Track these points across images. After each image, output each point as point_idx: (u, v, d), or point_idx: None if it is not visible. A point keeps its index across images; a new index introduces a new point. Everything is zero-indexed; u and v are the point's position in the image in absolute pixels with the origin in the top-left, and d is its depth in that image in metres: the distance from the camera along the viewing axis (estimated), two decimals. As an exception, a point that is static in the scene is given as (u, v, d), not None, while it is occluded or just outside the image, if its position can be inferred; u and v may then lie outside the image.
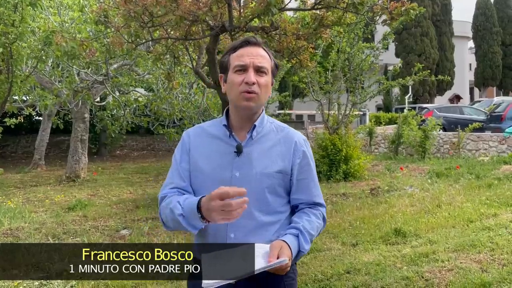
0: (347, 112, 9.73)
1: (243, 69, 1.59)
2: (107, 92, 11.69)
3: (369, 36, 14.43)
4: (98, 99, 11.15)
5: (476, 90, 44.32)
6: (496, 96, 40.84)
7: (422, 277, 4.11)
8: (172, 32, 6.56)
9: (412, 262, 4.49)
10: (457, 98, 40.92)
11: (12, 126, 7.87)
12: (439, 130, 12.79)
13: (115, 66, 9.87)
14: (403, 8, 6.00)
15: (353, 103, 9.71)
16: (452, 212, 6.17)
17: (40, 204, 7.61)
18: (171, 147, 20.08)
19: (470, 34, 40.13)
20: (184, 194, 1.66)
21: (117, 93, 11.96)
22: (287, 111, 20.59)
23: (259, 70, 1.59)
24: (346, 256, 4.74)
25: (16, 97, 8.31)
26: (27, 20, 5.90)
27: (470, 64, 44.13)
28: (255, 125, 1.63)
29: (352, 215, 6.35)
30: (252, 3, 6.63)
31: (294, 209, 1.71)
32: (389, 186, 7.99)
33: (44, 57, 6.28)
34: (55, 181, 10.65)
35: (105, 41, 7.90)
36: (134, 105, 11.55)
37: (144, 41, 6.11)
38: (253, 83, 1.57)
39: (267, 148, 1.64)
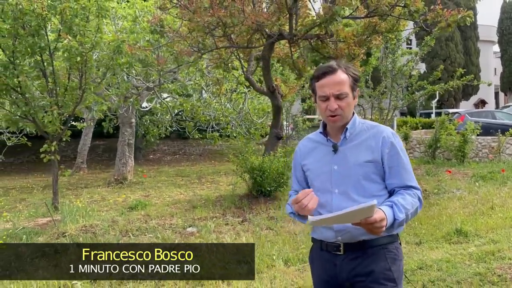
0: (389, 116, 9.92)
1: (325, 98, 1.92)
2: (151, 98, 12.13)
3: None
4: (145, 104, 11.55)
5: (501, 94, 43.77)
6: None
7: (494, 273, 4.29)
8: (229, 41, 6.88)
9: (480, 259, 4.67)
10: (482, 103, 40.47)
11: (82, 129, 8.40)
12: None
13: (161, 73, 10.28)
14: (459, 16, 6.22)
15: (395, 107, 9.89)
16: (507, 214, 6.32)
17: (103, 204, 8.00)
18: (202, 152, 20.48)
19: (495, 39, 39.70)
20: None
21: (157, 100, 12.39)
22: (310, 116, 20.79)
23: (339, 97, 1.90)
24: (413, 254, 4.95)
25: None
26: (102, 30, 6.29)
27: (495, 69, 43.62)
28: (347, 128, 1.97)
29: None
30: (307, 13, 6.92)
31: (391, 194, 1.96)
32: (438, 189, 8.15)
33: (114, 66, 6.64)
34: (104, 183, 11.06)
35: (160, 50, 8.29)
36: (177, 110, 11.94)
37: (209, 49, 6.45)
38: (335, 109, 1.90)
39: (359, 144, 1.96)
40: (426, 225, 6.01)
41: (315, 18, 6.01)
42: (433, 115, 26.40)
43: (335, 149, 1.98)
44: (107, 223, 6.34)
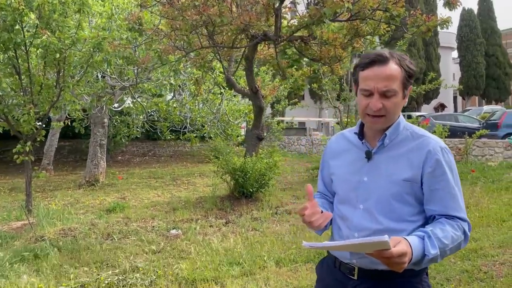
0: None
1: (368, 93, 1.57)
2: (124, 98, 11.86)
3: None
4: (116, 104, 11.27)
5: (459, 99, 45.66)
6: (478, 105, 42.24)
7: (480, 270, 4.45)
8: (211, 41, 6.81)
9: (464, 257, 4.82)
10: (441, 106, 42.03)
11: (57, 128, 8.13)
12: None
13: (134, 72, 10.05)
14: (439, 21, 6.41)
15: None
16: (482, 213, 6.57)
17: (78, 206, 7.73)
18: (173, 153, 20.17)
19: (455, 45, 41.40)
20: (325, 196, 1.90)
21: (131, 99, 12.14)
22: (281, 118, 20.92)
23: (385, 94, 1.55)
24: (400, 253, 5.05)
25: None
26: (84, 27, 6.08)
27: (454, 74, 45.43)
28: (385, 134, 1.63)
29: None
30: (292, 17, 6.94)
31: (430, 220, 1.63)
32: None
33: (94, 64, 6.42)
34: (74, 185, 10.69)
35: (139, 48, 8.11)
36: (150, 111, 11.72)
37: (194, 49, 6.35)
38: (379, 109, 1.56)
39: (398, 156, 1.62)
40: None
41: (301, 20, 6.04)
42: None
43: (367, 156, 1.66)
44: (87, 226, 6.13)
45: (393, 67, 1.56)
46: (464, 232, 1.57)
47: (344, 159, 1.76)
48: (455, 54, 43.95)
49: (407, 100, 1.65)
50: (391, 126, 1.63)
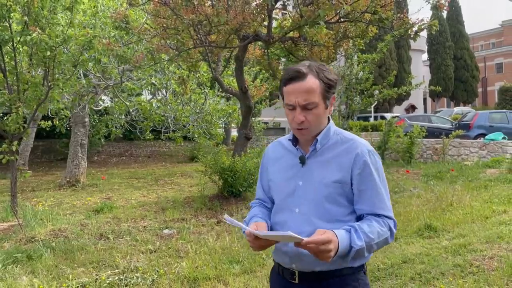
0: (346, 119, 10.30)
1: (291, 107, 1.67)
2: (102, 97, 11.67)
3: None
4: (97, 103, 11.07)
5: (429, 100, 46.98)
6: (447, 106, 43.59)
7: (472, 264, 4.62)
8: (199, 41, 6.81)
9: (455, 252, 5.00)
10: (412, 108, 43.15)
11: (47, 129, 7.89)
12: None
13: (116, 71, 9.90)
14: (426, 24, 6.62)
15: (352, 110, 10.29)
16: (466, 210, 6.81)
17: (63, 207, 7.57)
18: (150, 153, 19.96)
19: (425, 48, 42.58)
20: (264, 204, 1.95)
21: (114, 99, 11.96)
22: (259, 118, 21.01)
23: (306, 107, 1.65)
24: (393, 249, 5.20)
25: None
26: (75, 24, 5.96)
27: (424, 76, 46.67)
28: (317, 140, 1.73)
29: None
30: (285, 17, 7.01)
31: (359, 220, 1.72)
32: (397, 187, 8.59)
33: (84, 62, 6.31)
34: (54, 186, 10.46)
35: (127, 47, 8.01)
36: (131, 109, 11.56)
37: (187, 48, 6.32)
38: (301, 122, 1.66)
39: (329, 159, 1.72)
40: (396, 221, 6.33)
41: (293, 22, 6.12)
42: (371, 119, 27.83)
43: (301, 161, 1.75)
44: (78, 227, 6.03)
45: (311, 81, 1.64)
46: (390, 229, 1.69)
47: (280, 165, 1.84)
48: (425, 56, 45.22)
49: (332, 109, 1.74)
50: (321, 132, 1.73)
